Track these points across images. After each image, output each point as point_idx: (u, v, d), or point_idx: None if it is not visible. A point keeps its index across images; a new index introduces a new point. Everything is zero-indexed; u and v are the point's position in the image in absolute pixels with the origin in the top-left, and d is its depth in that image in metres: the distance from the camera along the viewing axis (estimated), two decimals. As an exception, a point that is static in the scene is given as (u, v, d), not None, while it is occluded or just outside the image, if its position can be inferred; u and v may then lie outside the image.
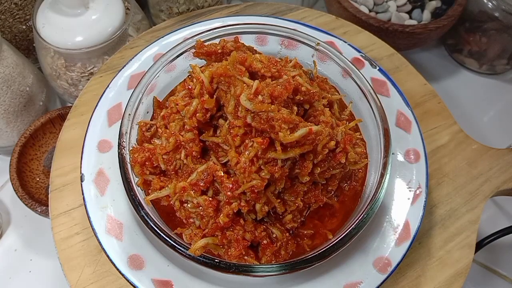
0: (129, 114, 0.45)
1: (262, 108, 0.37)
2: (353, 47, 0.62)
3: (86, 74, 0.71)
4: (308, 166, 0.40)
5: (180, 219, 0.43)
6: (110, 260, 0.47)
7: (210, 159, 0.42)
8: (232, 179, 0.39)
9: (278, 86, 0.38)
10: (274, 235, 0.42)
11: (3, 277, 0.65)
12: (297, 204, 0.42)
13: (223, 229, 0.40)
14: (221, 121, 0.42)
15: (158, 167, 0.44)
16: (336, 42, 0.63)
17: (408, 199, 0.52)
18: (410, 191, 0.53)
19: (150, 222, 0.41)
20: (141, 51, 0.61)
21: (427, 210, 0.54)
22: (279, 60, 0.46)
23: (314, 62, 0.54)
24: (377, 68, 0.61)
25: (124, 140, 0.44)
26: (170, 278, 0.45)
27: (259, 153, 0.37)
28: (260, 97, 0.37)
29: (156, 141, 0.45)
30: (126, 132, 0.44)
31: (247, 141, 0.38)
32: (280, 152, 0.38)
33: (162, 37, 0.63)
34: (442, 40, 0.93)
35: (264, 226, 0.42)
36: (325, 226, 0.45)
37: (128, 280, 0.44)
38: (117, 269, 0.44)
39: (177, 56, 0.52)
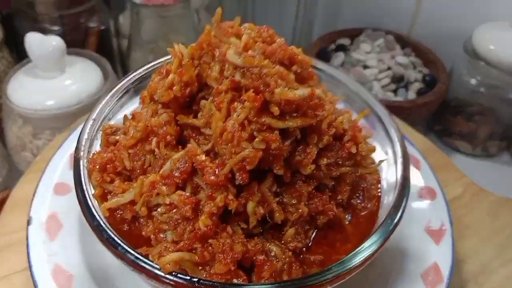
0: (94, 119, 0.37)
1: (254, 62, 0.30)
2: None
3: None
4: (312, 151, 0.31)
5: (147, 240, 0.32)
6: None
7: (189, 144, 0.33)
8: (217, 162, 0.30)
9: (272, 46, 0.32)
10: (273, 254, 0.31)
11: None
12: (300, 211, 0.32)
13: (204, 238, 0.29)
14: (203, 102, 0.34)
15: (121, 174, 0.34)
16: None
17: (431, 238, 0.43)
18: (431, 229, 0.44)
19: (105, 232, 0.30)
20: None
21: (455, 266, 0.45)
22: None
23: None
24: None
25: (83, 145, 0.35)
26: None
27: (251, 114, 0.29)
28: (251, 52, 0.30)
29: (121, 137, 0.36)
30: (87, 138, 0.36)
31: (235, 103, 0.30)
32: (277, 116, 0.29)
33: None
34: (429, 128, 0.91)
35: (259, 240, 0.32)
36: (337, 253, 0.34)
37: None
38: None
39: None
